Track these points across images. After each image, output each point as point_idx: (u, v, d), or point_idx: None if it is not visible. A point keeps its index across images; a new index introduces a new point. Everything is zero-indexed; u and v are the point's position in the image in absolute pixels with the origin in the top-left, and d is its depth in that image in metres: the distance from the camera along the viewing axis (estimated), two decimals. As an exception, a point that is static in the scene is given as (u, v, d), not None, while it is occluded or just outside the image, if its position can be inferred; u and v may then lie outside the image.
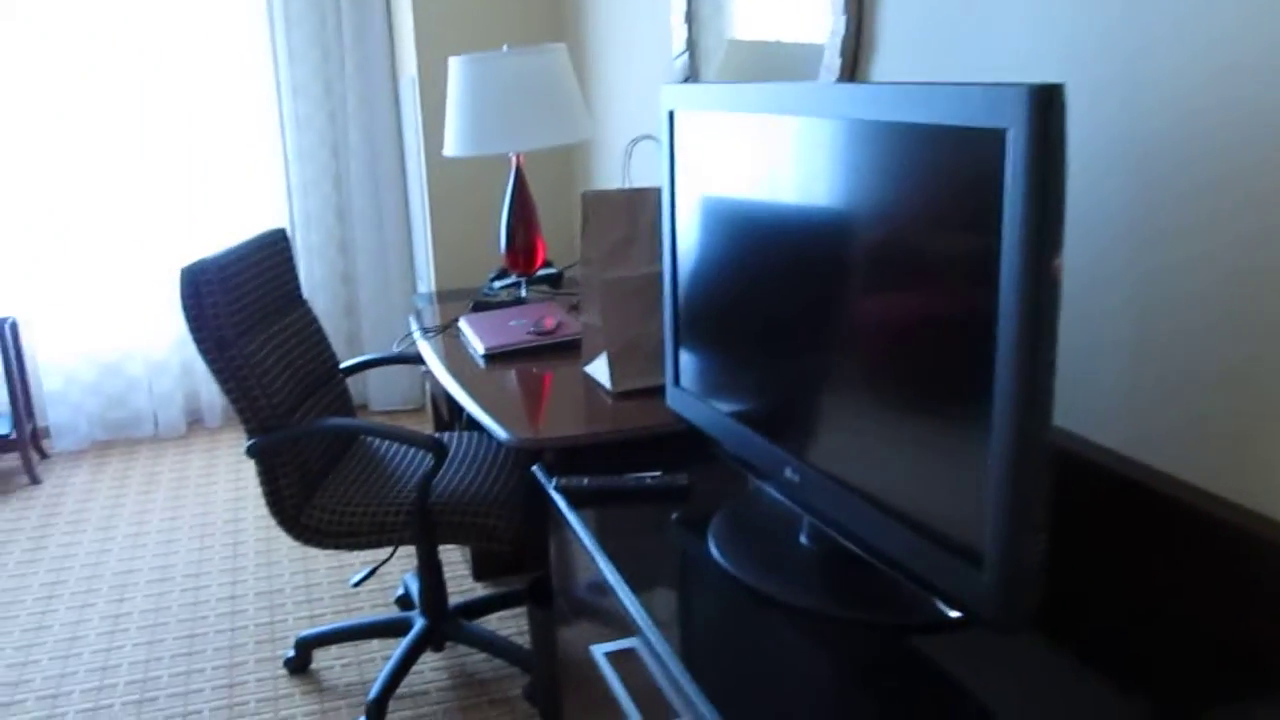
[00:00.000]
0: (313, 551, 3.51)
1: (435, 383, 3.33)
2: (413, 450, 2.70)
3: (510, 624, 3.00)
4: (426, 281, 4.18)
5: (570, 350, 2.45)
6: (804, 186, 1.31)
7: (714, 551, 1.47)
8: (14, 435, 4.23)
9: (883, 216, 1.16)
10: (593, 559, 1.53)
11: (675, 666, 1.21)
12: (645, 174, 3.06)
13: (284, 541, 3.60)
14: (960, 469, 1.08)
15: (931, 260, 1.09)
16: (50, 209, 4.46)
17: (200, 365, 4.77)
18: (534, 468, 1.85)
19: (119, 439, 4.76)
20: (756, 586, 1.37)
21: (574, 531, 1.62)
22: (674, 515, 1.62)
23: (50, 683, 2.83)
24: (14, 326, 4.30)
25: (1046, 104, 0.93)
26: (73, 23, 4.30)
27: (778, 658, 1.22)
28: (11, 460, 4.47)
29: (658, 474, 1.70)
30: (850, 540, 1.31)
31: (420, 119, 3.79)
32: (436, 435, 2.57)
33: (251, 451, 2.35)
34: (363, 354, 4.73)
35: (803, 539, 1.47)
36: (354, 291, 4.77)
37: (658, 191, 2.00)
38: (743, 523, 1.55)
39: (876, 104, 1.14)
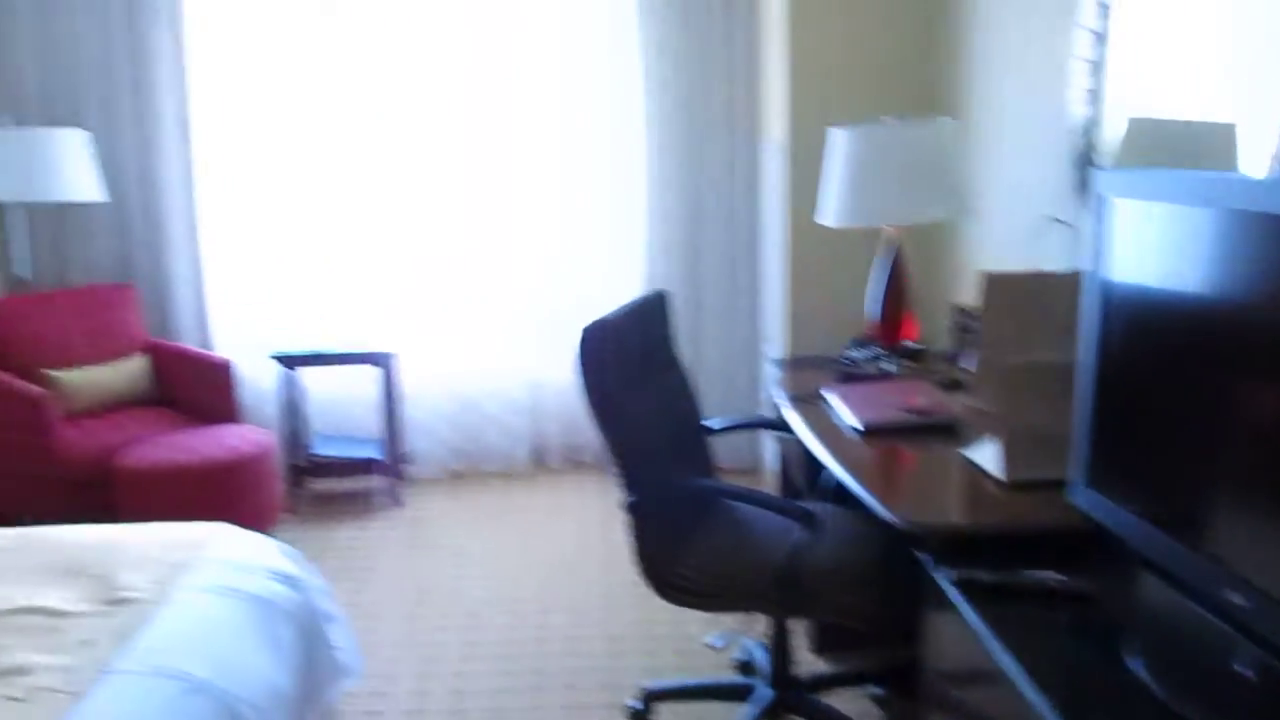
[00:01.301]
0: (654, 601, 3.57)
1: (791, 449, 3.33)
2: (775, 517, 2.69)
3: (849, 702, 2.93)
4: (774, 345, 4.21)
5: (945, 431, 2.38)
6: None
7: (1136, 668, 1.37)
8: (386, 460, 4.58)
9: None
10: (995, 661, 1.46)
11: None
12: (1038, 254, 2.96)
13: (625, 587, 3.69)
14: None
15: None
16: (426, 252, 4.88)
17: (548, 408, 5.02)
18: (919, 554, 1.80)
19: (469, 470, 5.06)
20: (1190, 715, 1.26)
21: (971, 628, 1.56)
22: (1080, 622, 1.53)
23: (412, 698, 3.01)
24: (393, 362, 4.67)
25: None
26: (455, 69, 4.68)
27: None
28: (378, 483, 4.83)
29: (1062, 577, 1.61)
30: (1312, 680, 1.19)
31: (788, 186, 3.84)
32: (807, 506, 2.56)
33: (628, 506, 2.41)
34: (705, 414, 4.83)
35: (1239, 666, 1.35)
36: (701, 351, 4.86)
37: (1071, 277, 1.92)
38: (1165, 640, 1.44)
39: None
